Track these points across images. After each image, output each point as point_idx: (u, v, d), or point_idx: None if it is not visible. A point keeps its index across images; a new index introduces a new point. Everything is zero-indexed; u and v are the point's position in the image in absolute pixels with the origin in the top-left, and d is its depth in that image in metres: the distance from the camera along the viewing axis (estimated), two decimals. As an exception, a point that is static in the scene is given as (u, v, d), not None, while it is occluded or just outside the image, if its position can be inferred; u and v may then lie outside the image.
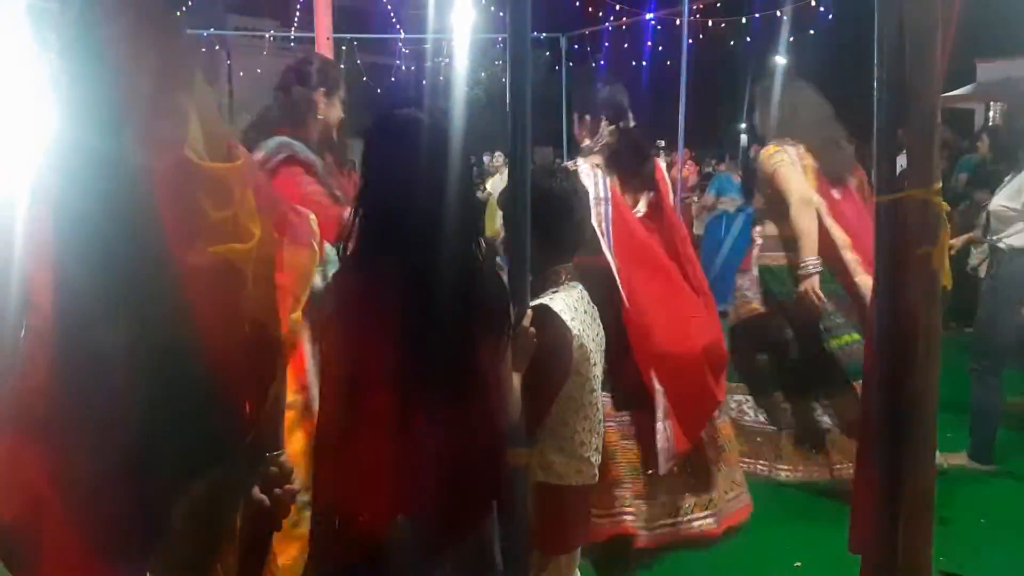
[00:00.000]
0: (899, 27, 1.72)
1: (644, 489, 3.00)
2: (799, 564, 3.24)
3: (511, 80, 1.90)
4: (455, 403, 1.63)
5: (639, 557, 3.07)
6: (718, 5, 11.38)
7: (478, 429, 1.68)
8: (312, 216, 2.17)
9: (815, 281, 3.76)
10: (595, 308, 2.28)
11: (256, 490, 1.55)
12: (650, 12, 11.82)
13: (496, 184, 9.28)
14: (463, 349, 1.65)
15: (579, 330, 2.10)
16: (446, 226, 1.61)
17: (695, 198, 9.90)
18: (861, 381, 3.61)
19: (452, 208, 1.62)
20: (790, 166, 3.89)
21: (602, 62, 13.40)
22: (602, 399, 2.68)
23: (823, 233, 3.82)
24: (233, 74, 16.64)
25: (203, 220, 1.26)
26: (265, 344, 1.44)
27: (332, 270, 1.89)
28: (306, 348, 2.23)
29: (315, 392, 2.17)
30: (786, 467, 3.95)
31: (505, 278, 1.87)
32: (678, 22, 8.83)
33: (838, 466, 3.76)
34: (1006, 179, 4.12)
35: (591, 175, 3.04)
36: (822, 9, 10.64)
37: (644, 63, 13.54)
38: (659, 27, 11.99)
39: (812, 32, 11.71)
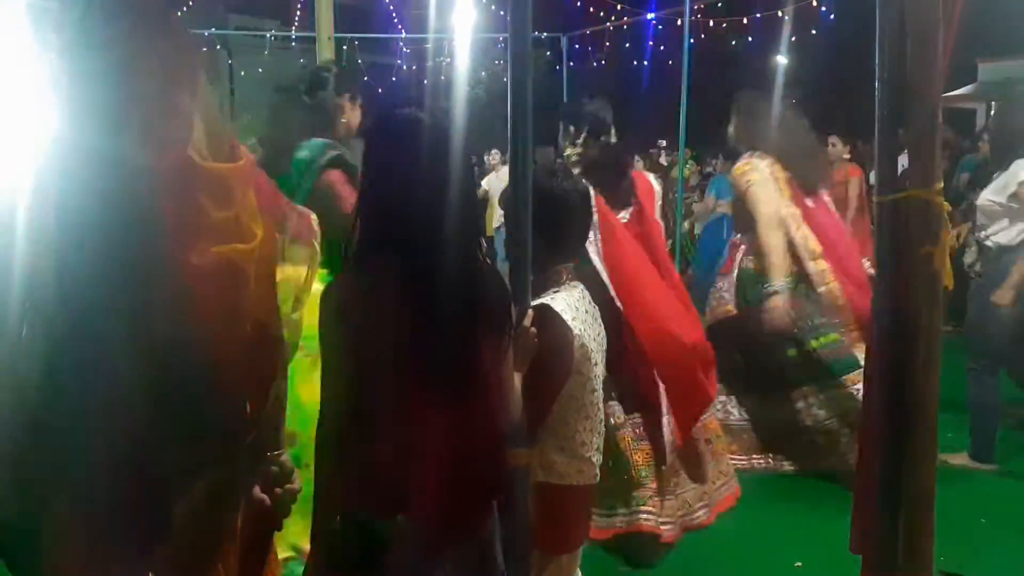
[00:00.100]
0: (900, 27, 1.72)
1: (660, 485, 3.17)
2: (799, 564, 3.23)
3: (512, 80, 1.90)
4: (456, 402, 1.63)
5: (657, 551, 3.23)
6: (719, 5, 11.38)
7: (479, 429, 1.68)
8: (314, 216, 2.17)
9: (778, 300, 3.94)
10: (596, 308, 2.28)
11: (257, 489, 1.55)
12: (651, 12, 11.82)
13: (492, 182, 9.28)
14: (464, 349, 1.65)
15: (580, 330, 2.10)
16: (447, 226, 1.61)
17: (695, 198, 9.88)
18: (850, 376, 3.86)
19: (453, 208, 1.62)
20: (760, 185, 4.05)
21: (603, 62, 13.38)
22: (610, 405, 2.72)
23: (799, 240, 4.00)
24: (234, 74, 16.64)
25: (206, 220, 1.26)
26: (266, 344, 1.44)
27: None
28: None
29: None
30: (763, 458, 4.18)
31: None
32: (679, 22, 8.84)
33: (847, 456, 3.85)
34: (995, 176, 4.13)
35: None
36: (823, 9, 10.63)
37: (645, 63, 13.54)
38: (660, 27, 11.98)
39: (813, 32, 11.70)
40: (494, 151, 10.65)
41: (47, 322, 1.19)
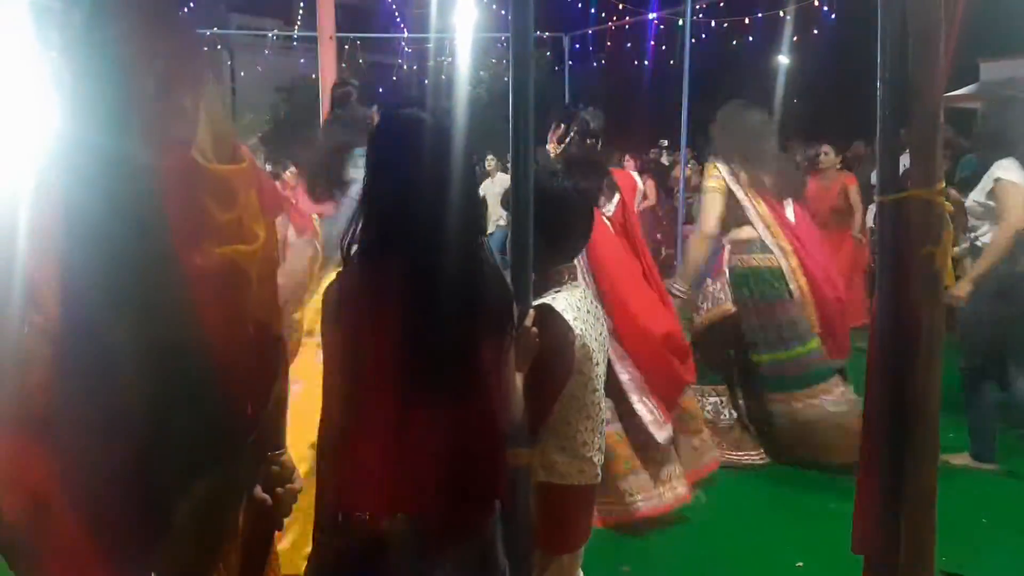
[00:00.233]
0: (902, 27, 1.72)
1: (640, 464, 3.42)
2: (801, 564, 3.23)
3: (514, 79, 1.90)
4: (458, 402, 1.63)
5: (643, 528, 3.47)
6: (721, 5, 11.37)
7: (480, 428, 1.68)
8: (315, 216, 2.17)
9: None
10: (598, 307, 2.28)
11: (258, 489, 1.55)
12: (653, 12, 11.81)
13: (487, 187, 9.28)
14: (466, 348, 1.65)
15: (581, 330, 2.10)
16: (449, 225, 1.61)
17: (697, 198, 9.88)
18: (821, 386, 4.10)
19: (455, 207, 1.62)
20: (710, 193, 4.28)
21: (602, 61, 13.39)
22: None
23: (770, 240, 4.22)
24: (235, 73, 16.66)
25: (209, 222, 1.26)
26: (268, 344, 1.45)
27: None
28: None
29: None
30: (758, 455, 4.33)
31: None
32: (681, 22, 8.84)
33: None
34: (984, 176, 4.15)
35: None
36: (825, 9, 10.63)
37: (647, 63, 13.54)
38: (662, 27, 11.98)
39: (815, 32, 11.69)
40: (489, 156, 10.64)
41: (49, 322, 1.19)
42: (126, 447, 1.20)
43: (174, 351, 1.23)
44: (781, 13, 11.41)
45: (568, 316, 2.08)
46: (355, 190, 2.87)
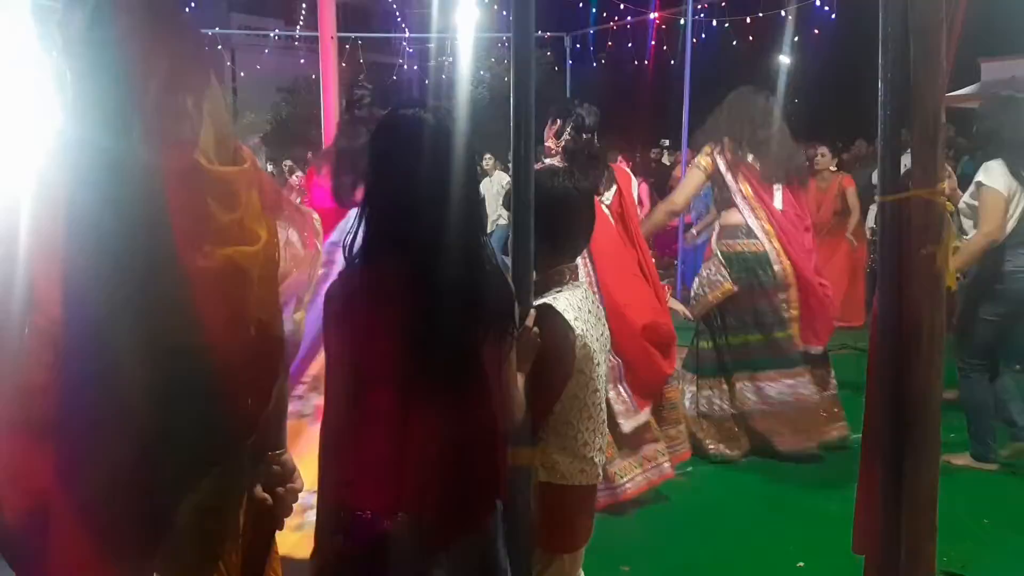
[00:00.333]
0: (904, 27, 1.72)
1: (611, 447, 3.45)
2: (802, 564, 3.23)
3: (515, 79, 1.90)
4: (459, 402, 1.63)
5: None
6: (722, 5, 11.37)
7: (482, 428, 1.68)
8: (316, 216, 2.17)
9: None
10: (599, 307, 2.28)
11: (259, 489, 1.55)
12: (654, 12, 11.81)
13: (485, 187, 9.29)
14: (467, 348, 1.65)
15: (582, 330, 2.10)
16: (451, 226, 1.61)
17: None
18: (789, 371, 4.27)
19: (456, 207, 1.62)
20: (697, 170, 4.48)
21: (603, 61, 13.39)
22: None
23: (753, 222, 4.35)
24: (236, 73, 16.67)
25: (211, 223, 1.26)
26: (269, 344, 1.44)
27: None
28: None
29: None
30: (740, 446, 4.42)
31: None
32: (681, 21, 8.84)
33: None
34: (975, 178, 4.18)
35: None
36: (826, 8, 10.62)
37: (648, 62, 13.54)
38: (663, 27, 11.98)
39: (816, 32, 11.69)
40: (487, 155, 10.65)
41: (51, 323, 1.19)
42: (127, 447, 1.20)
43: (175, 351, 1.23)
44: (782, 13, 11.41)
45: (569, 316, 2.07)
46: None
